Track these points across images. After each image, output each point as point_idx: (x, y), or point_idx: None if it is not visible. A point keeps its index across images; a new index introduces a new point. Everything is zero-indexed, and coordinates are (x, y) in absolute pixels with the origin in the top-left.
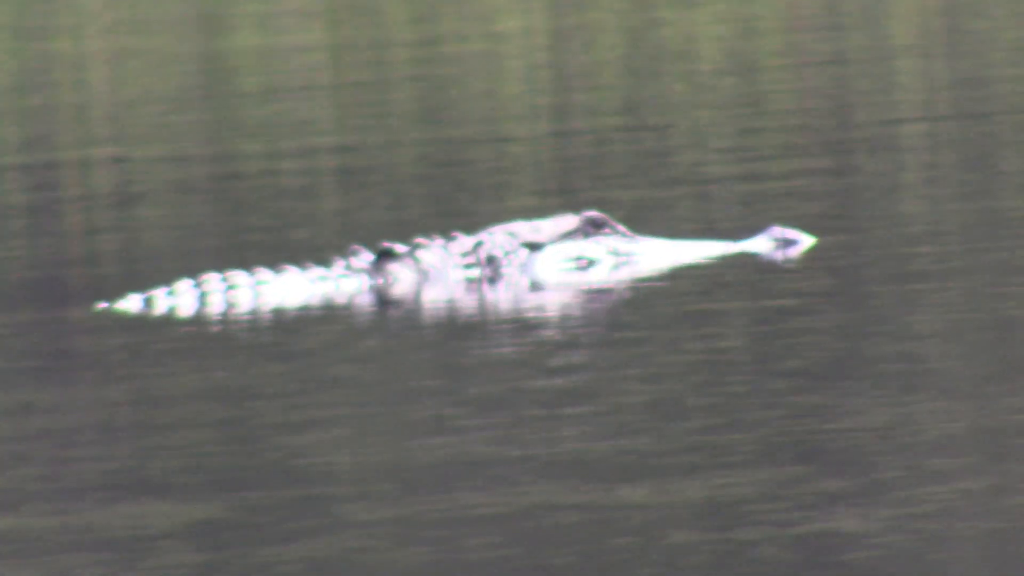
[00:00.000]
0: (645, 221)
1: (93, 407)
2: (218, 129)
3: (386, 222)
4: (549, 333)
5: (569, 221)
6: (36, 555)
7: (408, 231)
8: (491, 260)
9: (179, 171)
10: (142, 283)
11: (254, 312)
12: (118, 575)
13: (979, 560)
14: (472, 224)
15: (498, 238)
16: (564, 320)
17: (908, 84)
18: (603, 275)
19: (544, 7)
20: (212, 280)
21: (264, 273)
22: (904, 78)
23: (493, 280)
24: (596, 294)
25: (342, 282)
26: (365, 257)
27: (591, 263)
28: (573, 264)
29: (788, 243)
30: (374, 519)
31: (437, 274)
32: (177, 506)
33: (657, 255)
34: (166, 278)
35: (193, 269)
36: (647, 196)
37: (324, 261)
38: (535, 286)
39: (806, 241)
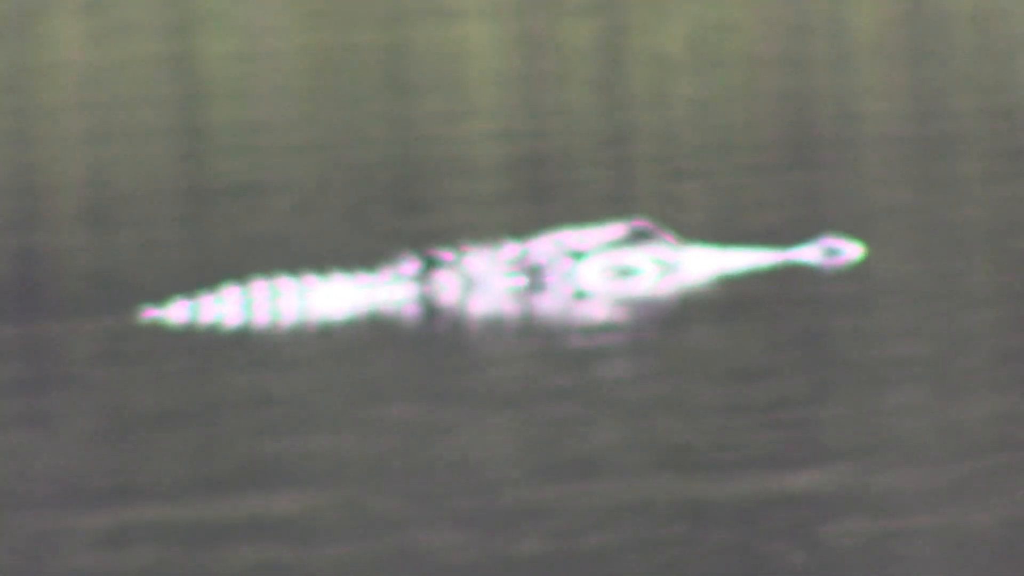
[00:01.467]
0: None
1: (144, 409)
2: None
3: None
4: (586, 339)
5: (616, 230)
6: (108, 549)
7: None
8: (535, 269)
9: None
10: (188, 289)
11: (301, 318)
12: (193, 571)
13: None
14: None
15: (545, 246)
16: (601, 326)
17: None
18: (647, 284)
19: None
20: (260, 286)
21: (311, 279)
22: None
23: (537, 289)
24: (635, 302)
25: (389, 289)
26: (412, 264)
27: (634, 273)
28: (617, 273)
29: (837, 252)
30: (426, 516)
31: (483, 282)
32: (232, 504)
33: (704, 264)
34: (207, 284)
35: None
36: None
37: (372, 268)
38: (578, 295)
39: (856, 251)
